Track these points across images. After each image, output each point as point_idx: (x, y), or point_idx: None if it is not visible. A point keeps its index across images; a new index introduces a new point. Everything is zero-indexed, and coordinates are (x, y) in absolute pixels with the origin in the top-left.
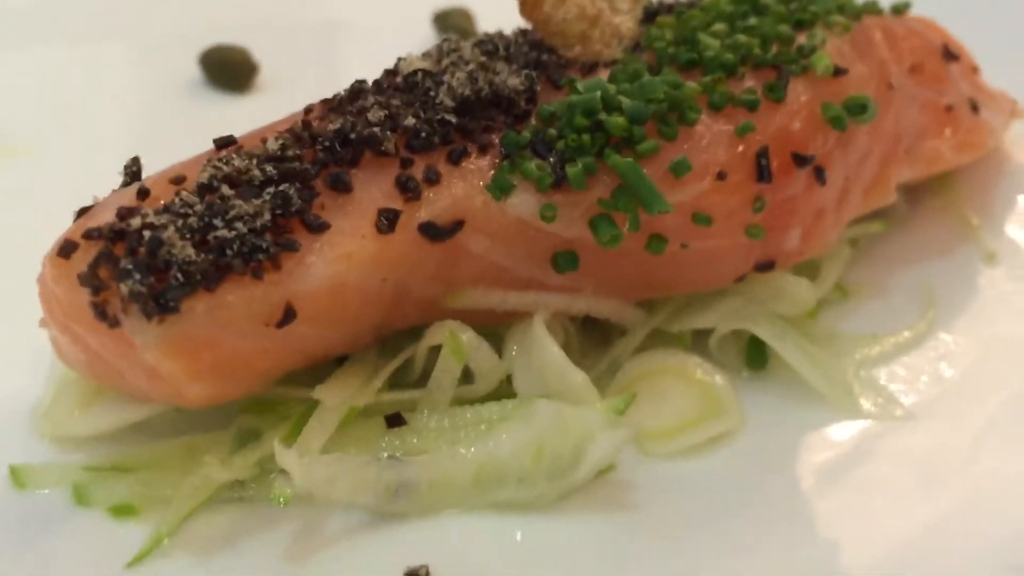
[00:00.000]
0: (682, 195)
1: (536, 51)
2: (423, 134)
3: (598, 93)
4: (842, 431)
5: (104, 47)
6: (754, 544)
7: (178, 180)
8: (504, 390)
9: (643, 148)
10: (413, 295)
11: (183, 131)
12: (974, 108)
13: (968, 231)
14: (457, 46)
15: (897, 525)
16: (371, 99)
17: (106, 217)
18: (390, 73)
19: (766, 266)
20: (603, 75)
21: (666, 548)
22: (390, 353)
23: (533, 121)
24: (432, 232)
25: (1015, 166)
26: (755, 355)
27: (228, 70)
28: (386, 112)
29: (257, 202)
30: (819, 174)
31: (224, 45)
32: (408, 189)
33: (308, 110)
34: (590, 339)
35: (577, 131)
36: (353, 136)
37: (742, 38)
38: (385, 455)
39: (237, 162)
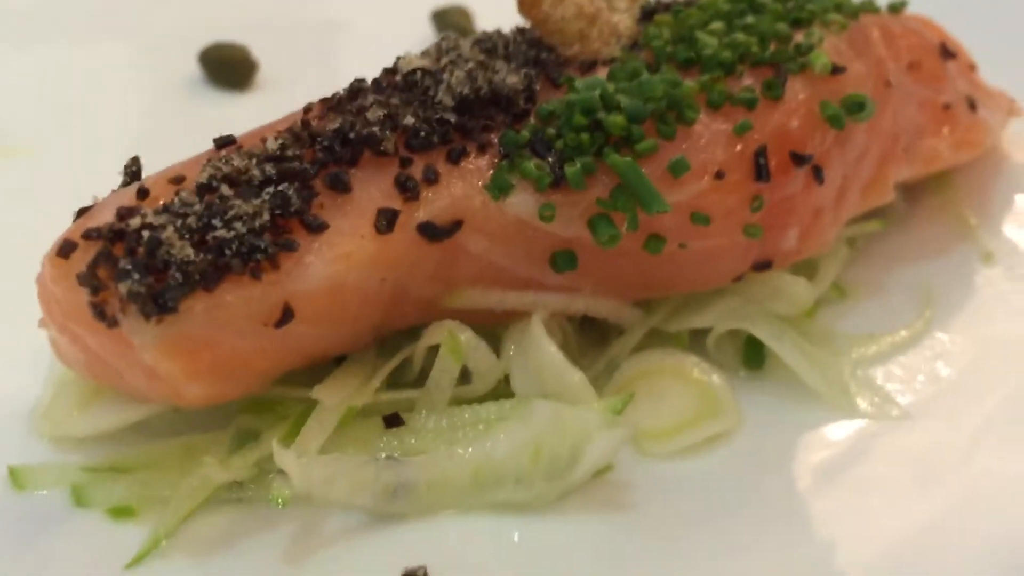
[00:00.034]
0: (680, 194)
1: (535, 49)
2: (422, 133)
3: (597, 92)
4: (839, 431)
5: (104, 47)
6: (751, 544)
7: (177, 180)
8: (502, 390)
9: (642, 147)
10: (412, 295)
11: (183, 130)
12: (972, 106)
13: (966, 230)
14: (456, 44)
15: (894, 524)
16: (370, 98)
17: (105, 217)
18: (389, 72)
19: (764, 265)
20: (602, 73)
21: (664, 548)
22: (388, 353)
23: (532, 120)
24: (431, 232)
25: (1013, 165)
26: (752, 355)
27: (228, 67)
28: (385, 111)
29: (256, 202)
30: (817, 173)
31: (224, 43)
32: (407, 189)
33: (307, 109)
34: (588, 339)
35: (576, 130)
36: (352, 135)
37: (740, 36)
38: (383, 455)
39: (236, 162)
